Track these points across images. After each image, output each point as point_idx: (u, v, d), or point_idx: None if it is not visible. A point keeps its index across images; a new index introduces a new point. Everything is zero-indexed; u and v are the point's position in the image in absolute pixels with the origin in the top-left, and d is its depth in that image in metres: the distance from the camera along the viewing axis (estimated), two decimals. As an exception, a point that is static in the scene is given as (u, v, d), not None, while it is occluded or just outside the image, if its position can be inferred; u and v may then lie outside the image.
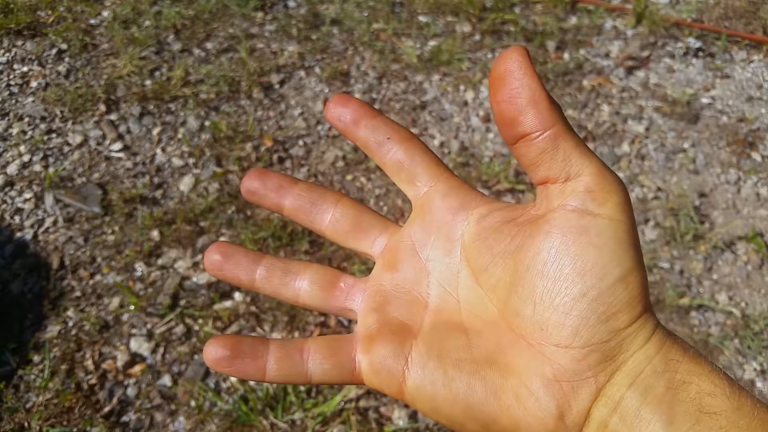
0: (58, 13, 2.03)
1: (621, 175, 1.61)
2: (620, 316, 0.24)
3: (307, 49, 1.94)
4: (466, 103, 1.79)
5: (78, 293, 1.35)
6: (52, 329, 1.28)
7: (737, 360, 1.27)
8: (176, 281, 1.36)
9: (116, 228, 1.46)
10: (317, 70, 1.88)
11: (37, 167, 1.58)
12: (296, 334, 1.28)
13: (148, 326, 1.29)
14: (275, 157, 1.62)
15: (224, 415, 1.15)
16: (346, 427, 1.15)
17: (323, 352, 0.28)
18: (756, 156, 1.66)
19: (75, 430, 1.14)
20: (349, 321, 1.31)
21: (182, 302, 1.33)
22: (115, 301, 1.33)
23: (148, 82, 1.80)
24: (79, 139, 1.65)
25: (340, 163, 1.62)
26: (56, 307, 1.32)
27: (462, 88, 1.83)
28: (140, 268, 1.39)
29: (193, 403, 1.18)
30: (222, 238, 1.44)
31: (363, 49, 1.94)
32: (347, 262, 1.39)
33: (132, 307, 1.31)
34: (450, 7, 2.08)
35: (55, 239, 1.44)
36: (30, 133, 1.67)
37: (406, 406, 1.19)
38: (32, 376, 1.21)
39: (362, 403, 1.19)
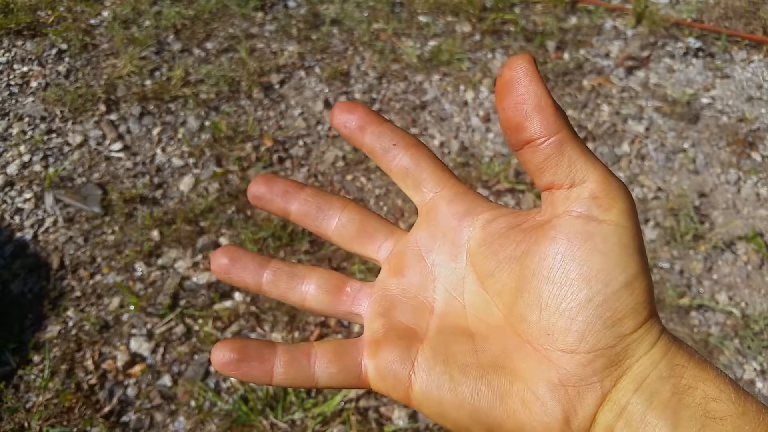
0: (58, 13, 2.03)
1: (621, 175, 1.61)
2: (626, 321, 0.24)
3: (307, 49, 1.94)
4: (466, 103, 1.79)
5: (78, 293, 1.35)
6: (52, 329, 1.28)
7: (737, 360, 1.27)
8: (176, 281, 1.36)
9: (116, 228, 1.46)
10: (317, 70, 1.88)
11: (37, 167, 1.58)
12: (296, 334, 1.28)
13: (148, 326, 1.29)
14: (275, 157, 1.62)
15: (224, 415, 1.15)
16: (346, 427, 1.15)
17: (329, 357, 0.29)
18: (756, 156, 1.66)
19: (75, 430, 1.14)
20: (350, 322, 1.31)
21: (182, 302, 1.33)
22: (115, 301, 1.33)
23: (148, 82, 1.80)
24: (79, 139, 1.65)
25: (340, 163, 1.62)
26: (56, 307, 1.32)
27: (462, 88, 1.83)
28: (140, 268, 1.39)
29: (193, 403, 1.18)
30: (222, 239, 1.44)
31: (363, 49, 1.94)
32: (347, 262, 1.39)
33: (132, 307, 1.31)
34: (450, 7, 2.08)
35: (55, 239, 1.44)
36: (30, 133, 1.67)
37: (406, 406, 1.19)
38: (32, 376, 1.21)
39: (362, 403, 1.19)
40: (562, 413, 0.24)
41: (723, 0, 2.12)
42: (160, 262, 1.40)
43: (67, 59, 1.88)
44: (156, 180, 1.57)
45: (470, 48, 1.96)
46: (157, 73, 1.84)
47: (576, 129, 1.72)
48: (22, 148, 1.63)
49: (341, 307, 0.31)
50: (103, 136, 1.67)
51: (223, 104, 1.76)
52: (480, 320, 0.28)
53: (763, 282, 1.41)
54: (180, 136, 1.67)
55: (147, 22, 2.00)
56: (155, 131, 1.69)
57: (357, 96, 1.80)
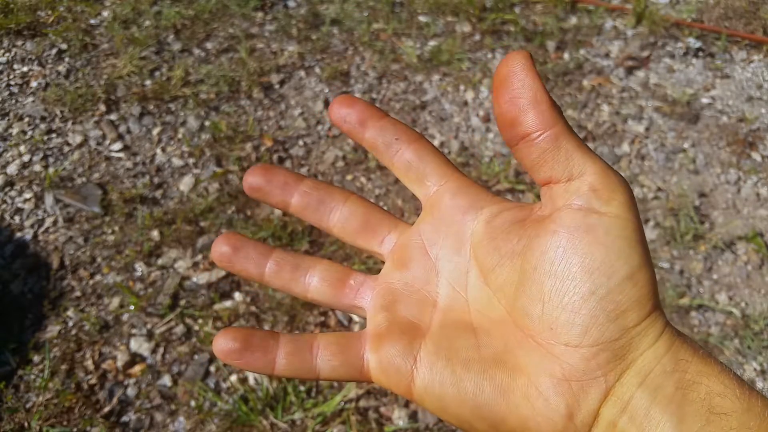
0: (58, 13, 2.03)
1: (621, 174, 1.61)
2: (629, 314, 0.24)
3: (307, 49, 1.94)
4: (466, 103, 1.79)
5: (78, 293, 1.35)
6: (52, 329, 1.28)
7: (737, 360, 1.27)
8: (176, 281, 1.36)
9: (116, 228, 1.46)
10: (317, 70, 1.88)
11: (37, 167, 1.58)
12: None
13: (148, 326, 1.29)
14: (275, 157, 1.62)
15: (224, 415, 1.15)
16: (346, 427, 1.15)
17: (332, 349, 0.29)
18: (756, 156, 1.66)
19: (75, 430, 1.14)
20: (350, 321, 1.31)
21: (182, 302, 1.33)
22: (115, 301, 1.33)
23: (148, 82, 1.80)
24: (79, 139, 1.65)
25: (340, 163, 1.62)
26: (56, 307, 1.32)
27: (462, 88, 1.83)
28: (140, 268, 1.39)
29: (193, 403, 1.18)
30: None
31: (363, 49, 1.94)
32: (347, 262, 1.39)
33: (132, 307, 1.31)
34: (450, 7, 2.08)
35: (55, 239, 1.44)
36: (30, 133, 1.67)
37: (407, 405, 1.19)
38: (32, 376, 1.21)
39: (362, 403, 1.19)
40: (566, 408, 0.24)
41: (723, 0, 2.12)
42: (160, 262, 1.40)
43: (67, 59, 1.88)
44: (156, 180, 1.57)
45: (470, 48, 1.96)
46: (157, 73, 1.84)
47: (576, 129, 1.72)
48: (22, 148, 1.63)
49: (344, 299, 0.31)
50: (103, 136, 1.67)
51: (223, 104, 1.76)
52: (483, 315, 0.28)
53: (763, 282, 1.41)
54: (180, 136, 1.67)
55: (147, 22, 2.00)
56: (155, 131, 1.68)
57: (357, 96, 1.79)
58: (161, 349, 1.26)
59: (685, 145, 1.69)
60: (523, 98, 0.26)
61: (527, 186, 1.56)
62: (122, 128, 1.69)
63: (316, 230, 1.47)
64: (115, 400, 1.18)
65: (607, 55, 1.95)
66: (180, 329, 1.29)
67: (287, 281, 0.31)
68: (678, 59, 1.94)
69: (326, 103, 1.77)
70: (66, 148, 1.63)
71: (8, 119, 1.70)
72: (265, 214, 1.48)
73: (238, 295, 1.34)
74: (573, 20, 2.06)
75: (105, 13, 2.04)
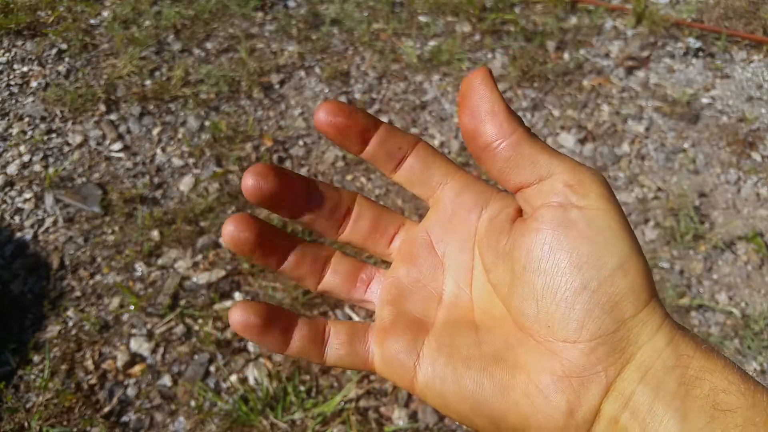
0: (58, 13, 2.03)
1: (621, 175, 1.61)
2: (624, 305, 0.24)
3: (307, 49, 1.94)
4: (466, 103, 1.78)
5: (78, 293, 1.35)
6: (52, 329, 1.28)
7: (737, 360, 1.27)
8: (176, 281, 1.36)
9: (116, 228, 1.46)
10: (317, 70, 1.88)
11: (37, 167, 1.58)
12: (296, 334, 1.28)
13: (148, 326, 1.29)
14: (275, 157, 1.62)
15: (224, 415, 1.15)
16: (346, 427, 1.15)
17: (341, 338, 0.29)
18: (756, 156, 1.66)
19: (75, 430, 1.14)
20: (349, 320, 1.31)
21: (182, 302, 1.33)
22: (115, 301, 1.33)
23: (148, 82, 1.80)
24: (79, 139, 1.65)
25: (340, 163, 1.62)
26: (56, 307, 1.32)
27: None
28: (140, 268, 1.39)
29: (193, 403, 1.18)
30: (222, 239, 1.44)
31: (363, 49, 1.94)
32: (347, 262, 1.39)
33: (132, 307, 1.31)
34: (450, 7, 2.08)
35: (55, 239, 1.44)
36: (30, 133, 1.67)
37: (407, 405, 1.19)
38: (32, 376, 1.21)
39: (362, 403, 1.19)
40: (566, 405, 0.24)
41: (723, 0, 2.12)
42: (160, 262, 1.40)
43: (67, 59, 1.88)
44: (156, 180, 1.57)
45: (470, 48, 1.96)
46: (157, 73, 1.84)
47: (576, 129, 1.72)
48: (22, 148, 1.63)
49: (356, 293, 0.31)
50: (103, 136, 1.67)
51: (223, 104, 1.76)
52: (485, 312, 0.29)
53: (763, 282, 1.41)
54: (180, 136, 1.67)
55: (147, 22, 1.99)
56: (155, 131, 1.68)
57: (357, 96, 1.80)
58: (161, 349, 1.26)
59: (685, 145, 1.69)
60: (481, 111, 0.26)
61: (527, 186, 1.56)
62: (122, 128, 1.69)
63: (316, 230, 1.46)
64: (115, 400, 1.18)
65: (607, 55, 1.95)
66: (180, 329, 1.29)
67: (305, 274, 0.31)
68: (678, 59, 1.94)
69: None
70: (66, 148, 1.63)
71: (8, 119, 1.70)
72: (265, 214, 1.49)
73: (238, 295, 1.34)
74: (573, 20, 2.06)
75: (105, 13, 2.04)
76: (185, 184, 1.56)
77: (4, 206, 1.50)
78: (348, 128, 0.29)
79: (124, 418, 1.17)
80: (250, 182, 0.28)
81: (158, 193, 1.54)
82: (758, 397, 0.23)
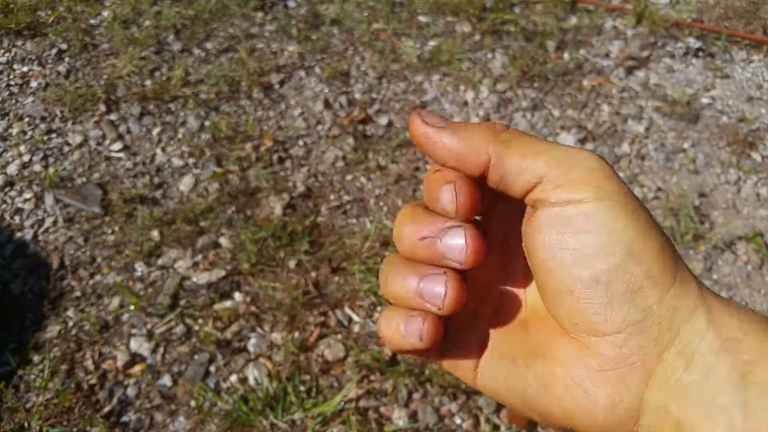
0: (58, 13, 2.03)
1: (621, 175, 1.61)
2: (646, 291, 0.23)
3: (307, 49, 1.94)
4: (466, 103, 1.79)
5: (78, 293, 1.35)
6: (52, 329, 1.28)
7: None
8: (176, 281, 1.36)
9: (116, 228, 1.46)
10: (317, 70, 1.87)
11: (37, 167, 1.58)
12: (296, 334, 1.28)
13: (148, 326, 1.29)
14: (275, 157, 1.62)
15: (224, 415, 1.15)
16: (346, 427, 1.15)
17: None
18: (756, 156, 1.66)
19: (75, 430, 1.14)
20: (350, 320, 1.31)
21: (182, 302, 1.33)
22: (115, 301, 1.33)
23: (148, 82, 1.80)
24: (79, 139, 1.65)
25: (340, 163, 1.62)
26: (56, 307, 1.32)
27: (462, 88, 1.83)
28: (140, 268, 1.39)
29: (193, 403, 1.18)
30: (222, 239, 1.44)
31: (363, 49, 1.94)
32: (347, 263, 1.39)
33: (132, 307, 1.31)
34: (450, 7, 2.08)
35: (55, 239, 1.44)
36: (30, 133, 1.67)
37: (407, 405, 1.19)
38: (32, 376, 1.21)
39: (362, 403, 1.19)
40: (606, 398, 0.24)
41: (723, 0, 2.12)
42: (160, 262, 1.40)
43: (67, 59, 1.88)
44: (156, 180, 1.57)
45: (470, 48, 1.95)
46: (157, 73, 1.84)
47: (576, 129, 1.72)
48: (22, 148, 1.63)
49: None
50: (103, 136, 1.67)
51: (223, 104, 1.76)
52: (532, 310, 0.29)
53: (763, 282, 1.41)
54: (180, 136, 1.67)
55: (147, 22, 1.99)
56: (155, 131, 1.68)
57: (357, 96, 1.80)
58: (161, 349, 1.26)
59: (685, 145, 1.69)
60: (447, 157, 0.26)
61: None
62: (122, 128, 1.69)
63: (316, 230, 1.47)
64: (115, 400, 1.18)
65: (607, 55, 1.95)
66: (180, 329, 1.29)
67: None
68: (678, 59, 1.94)
69: (326, 103, 1.77)
70: (66, 148, 1.63)
71: (8, 119, 1.70)
72: (265, 214, 1.49)
73: (238, 295, 1.34)
74: (573, 20, 2.06)
75: (105, 13, 2.04)
76: (185, 184, 1.56)
77: (4, 206, 1.50)
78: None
79: (124, 418, 1.17)
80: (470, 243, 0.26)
81: (158, 193, 1.54)
82: None
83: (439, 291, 0.25)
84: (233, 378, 1.22)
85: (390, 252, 1.39)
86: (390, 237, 1.43)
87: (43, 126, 1.68)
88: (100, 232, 1.45)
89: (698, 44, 1.97)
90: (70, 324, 1.29)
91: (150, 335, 1.28)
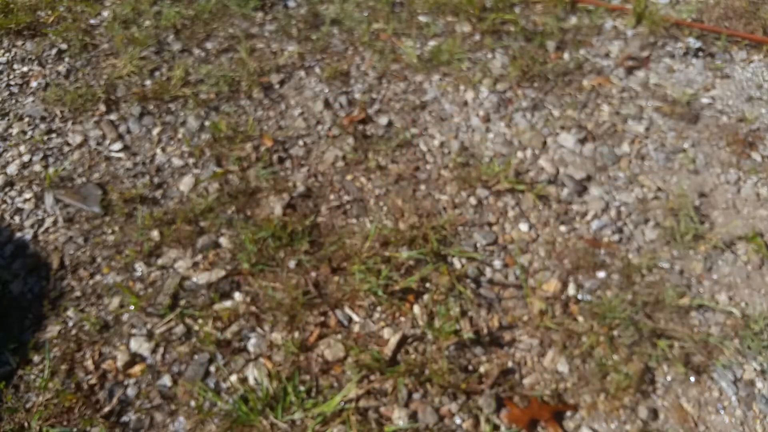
0: (58, 13, 2.03)
1: (621, 175, 1.61)
2: None
3: (307, 49, 1.94)
4: (466, 103, 1.79)
5: (78, 293, 1.35)
6: (52, 329, 1.28)
7: (737, 360, 1.27)
8: (176, 281, 1.36)
9: (116, 228, 1.46)
10: (317, 70, 1.87)
11: (37, 167, 1.58)
12: (296, 334, 1.28)
13: (148, 326, 1.29)
14: (275, 157, 1.62)
15: (224, 415, 1.15)
16: (346, 427, 1.15)
17: None
18: (756, 156, 1.66)
19: (75, 430, 1.14)
20: (350, 320, 1.31)
21: (182, 302, 1.33)
22: (115, 301, 1.33)
23: (148, 82, 1.80)
24: (79, 139, 1.65)
25: (340, 163, 1.62)
26: (56, 307, 1.32)
27: (462, 88, 1.83)
28: (140, 268, 1.39)
29: (193, 403, 1.18)
30: (222, 239, 1.44)
31: (363, 49, 1.94)
32: (347, 263, 1.39)
33: (132, 307, 1.31)
34: (450, 7, 2.08)
35: (55, 239, 1.44)
36: (30, 133, 1.67)
37: (406, 406, 1.19)
38: (32, 376, 1.21)
39: (362, 403, 1.19)
40: None
41: (723, 0, 2.12)
42: (160, 262, 1.40)
43: (67, 59, 1.88)
44: (156, 180, 1.57)
45: (470, 48, 1.95)
46: (157, 73, 1.84)
47: (576, 129, 1.72)
48: (22, 148, 1.63)
49: None
50: (103, 136, 1.67)
51: (223, 104, 1.76)
52: None
53: (763, 282, 1.41)
54: (180, 136, 1.67)
55: (147, 22, 1.99)
56: (155, 131, 1.68)
57: (357, 96, 1.80)
58: (161, 349, 1.26)
59: (685, 145, 1.69)
60: None
61: (527, 186, 1.56)
62: (122, 128, 1.69)
63: (315, 230, 1.46)
64: (115, 400, 1.18)
65: (607, 55, 1.95)
66: (180, 329, 1.29)
67: None
68: (678, 59, 1.94)
69: (326, 103, 1.77)
70: (66, 148, 1.63)
71: (8, 119, 1.70)
72: (265, 214, 1.49)
73: (238, 295, 1.34)
74: (573, 20, 2.06)
75: (105, 13, 2.04)
76: (185, 184, 1.56)
77: (4, 206, 1.50)
78: None
79: (124, 418, 1.17)
80: None
81: (158, 193, 1.54)
82: None
83: None
84: (233, 378, 1.22)
85: (390, 252, 1.39)
86: (390, 237, 1.43)
87: (43, 126, 1.68)
88: (100, 232, 1.45)
89: (698, 44, 1.97)
90: (70, 324, 1.29)
91: (150, 335, 1.28)
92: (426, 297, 1.34)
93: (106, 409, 1.17)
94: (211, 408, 1.18)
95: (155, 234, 1.44)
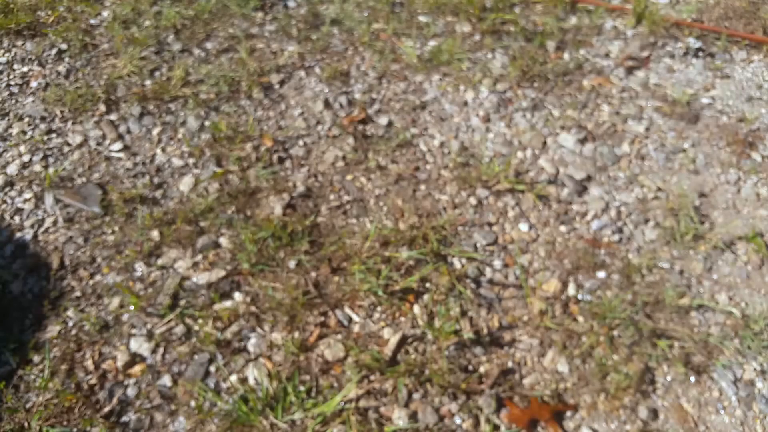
0: (58, 13, 2.03)
1: (621, 175, 1.61)
2: None
3: (307, 49, 1.94)
4: (466, 103, 1.79)
5: (78, 293, 1.35)
6: (52, 329, 1.28)
7: (737, 360, 1.27)
8: (176, 281, 1.36)
9: (116, 228, 1.46)
10: (317, 70, 1.88)
11: (37, 167, 1.58)
12: (296, 334, 1.28)
13: (148, 326, 1.29)
14: (275, 157, 1.62)
15: (224, 415, 1.15)
16: (346, 427, 1.15)
17: None
18: (756, 156, 1.66)
19: (75, 430, 1.14)
20: (350, 320, 1.31)
21: (182, 302, 1.33)
22: (115, 301, 1.33)
23: (148, 82, 1.80)
24: (79, 139, 1.65)
25: (340, 163, 1.62)
26: (56, 307, 1.32)
27: (462, 88, 1.83)
28: (140, 268, 1.39)
29: (193, 403, 1.18)
30: (222, 239, 1.44)
31: (363, 49, 1.94)
32: (347, 263, 1.39)
33: (132, 307, 1.31)
34: (450, 7, 2.08)
35: (55, 239, 1.44)
36: (30, 133, 1.67)
37: (406, 406, 1.19)
38: (32, 376, 1.21)
39: (362, 403, 1.19)
40: None
41: (723, 0, 2.12)
42: (160, 262, 1.40)
43: (67, 59, 1.88)
44: (156, 180, 1.57)
45: (470, 48, 1.95)
46: (157, 73, 1.84)
47: (576, 129, 1.72)
48: (22, 148, 1.63)
49: None
50: (103, 136, 1.67)
51: (223, 104, 1.76)
52: None
53: (763, 282, 1.41)
54: (180, 136, 1.67)
55: (147, 22, 1.99)
56: (155, 131, 1.68)
57: (357, 96, 1.80)
58: (161, 349, 1.26)
59: (685, 145, 1.69)
60: None
61: (527, 186, 1.56)
62: (122, 128, 1.69)
63: (315, 230, 1.46)
64: (115, 400, 1.18)
65: (607, 55, 1.95)
66: (180, 329, 1.29)
67: None
68: (678, 59, 1.94)
69: (326, 103, 1.77)
70: (66, 148, 1.63)
71: (8, 119, 1.70)
72: (265, 214, 1.49)
73: (238, 295, 1.34)
74: (573, 20, 2.06)
75: (105, 13, 2.04)
76: (185, 184, 1.56)
77: (4, 206, 1.50)
78: None
79: (124, 418, 1.17)
80: None
81: (158, 193, 1.54)
82: None
83: None
84: (233, 378, 1.22)
85: (390, 252, 1.40)
86: (390, 237, 1.43)
87: (43, 126, 1.68)
88: (100, 232, 1.45)
89: (698, 44, 1.97)
90: (70, 324, 1.29)
91: (150, 335, 1.28)
92: (426, 297, 1.34)
93: (106, 409, 1.17)
94: (211, 408, 1.18)
95: (155, 234, 1.44)
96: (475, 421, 1.18)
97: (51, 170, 1.57)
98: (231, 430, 1.14)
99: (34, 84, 1.80)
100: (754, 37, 1.97)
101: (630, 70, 1.90)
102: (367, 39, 1.95)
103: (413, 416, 1.18)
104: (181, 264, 1.39)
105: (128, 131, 1.68)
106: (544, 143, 1.69)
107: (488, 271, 1.41)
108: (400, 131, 1.70)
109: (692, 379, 1.25)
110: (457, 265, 1.41)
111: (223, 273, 1.37)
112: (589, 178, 1.60)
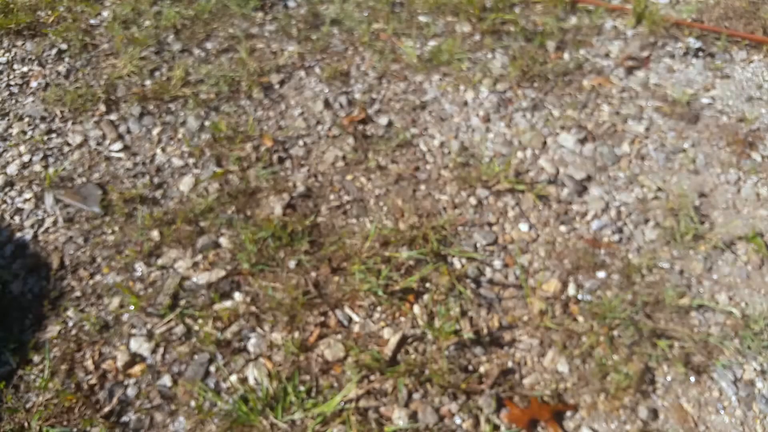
0: (58, 13, 2.03)
1: (621, 175, 1.61)
2: None
3: (307, 49, 1.94)
4: (466, 103, 1.79)
5: (78, 293, 1.35)
6: (52, 329, 1.28)
7: (737, 360, 1.27)
8: (176, 281, 1.36)
9: (116, 228, 1.46)
10: (317, 70, 1.88)
11: (37, 167, 1.58)
12: (296, 334, 1.28)
13: (148, 326, 1.29)
14: (275, 157, 1.62)
15: (224, 415, 1.15)
16: (346, 427, 1.15)
17: None
18: (756, 156, 1.66)
19: (75, 430, 1.14)
20: (350, 320, 1.31)
21: (182, 302, 1.33)
22: (115, 301, 1.33)
23: (148, 82, 1.80)
24: (79, 139, 1.65)
25: (340, 163, 1.62)
26: (56, 307, 1.32)
27: (462, 88, 1.83)
28: (140, 268, 1.39)
29: (193, 403, 1.18)
30: (222, 239, 1.44)
31: (363, 49, 1.94)
32: (347, 263, 1.39)
33: (132, 307, 1.31)
34: (450, 7, 2.08)
35: (55, 239, 1.44)
36: (30, 133, 1.67)
37: (406, 406, 1.19)
38: (32, 376, 1.21)
39: (362, 403, 1.19)
40: None
41: (723, 0, 2.12)
42: (160, 262, 1.40)
43: (67, 59, 1.88)
44: (156, 180, 1.57)
45: (470, 48, 1.95)
46: (157, 73, 1.84)
47: (576, 129, 1.72)
48: (22, 148, 1.63)
49: None
50: (103, 136, 1.67)
51: (223, 104, 1.76)
52: None
53: (763, 282, 1.41)
54: (180, 136, 1.67)
55: (147, 22, 1.99)
56: (155, 131, 1.68)
57: (357, 96, 1.80)
58: (161, 349, 1.26)
59: (685, 145, 1.69)
60: None
61: (527, 186, 1.56)
62: (122, 128, 1.69)
63: (315, 230, 1.46)
64: (115, 400, 1.18)
65: (607, 55, 1.95)
66: (180, 329, 1.29)
67: None
68: (678, 59, 1.94)
69: (326, 103, 1.77)
70: (66, 148, 1.63)
71: (8, 119, 1.70)
72: (265, 214, 1.49)
73: (238, 295, 1.34)
74: (573, 20, 2.06)
75: (105, 13, 2.04)
76: (185, 184, 1.56)
77: (4, 206, 1.50)
78: None
79: (124, 418, 1.17)
80: None
81: (158, 193, 1.54)
82: None
83: None
84: (233, 378, 1.22)
85: (390, 252, 1.40)
86: (390, 237, 1.43)
87: (43, 126, 1.68)
88: (100, 232, 1.45)
89: (698, 44, 1.97)
90: (70, 324, 1.29)
91: (150, 335, 1.28)
92: (426, 297, 1.34)
93: (106, 409, 1.17)
94: (211, 408, 1.18)
95: (155, 234, 1.44)
96: (475, 421, 1.18)
97: (51, 170, 1.57)
98: (231, 430, 1.14)
99: (34, 84, 1.80)
100: (754, 37, 1.97)
101: (630, 70, 1.90)
102: (367, 39, 1.95)
103: (413, 416, 1.18)
104: (181, 264, 1.39)
105: (128, 131, 1.68)
106: (544, 143, 1.69)
107: (488, 271, 1.41)
108: (400, 131, 1.70)
109: (692, 379, 1.25)
110: (457, 265, 1.41)
111: (223, 273, 1.37)
112: (589, 178, 1.60)
